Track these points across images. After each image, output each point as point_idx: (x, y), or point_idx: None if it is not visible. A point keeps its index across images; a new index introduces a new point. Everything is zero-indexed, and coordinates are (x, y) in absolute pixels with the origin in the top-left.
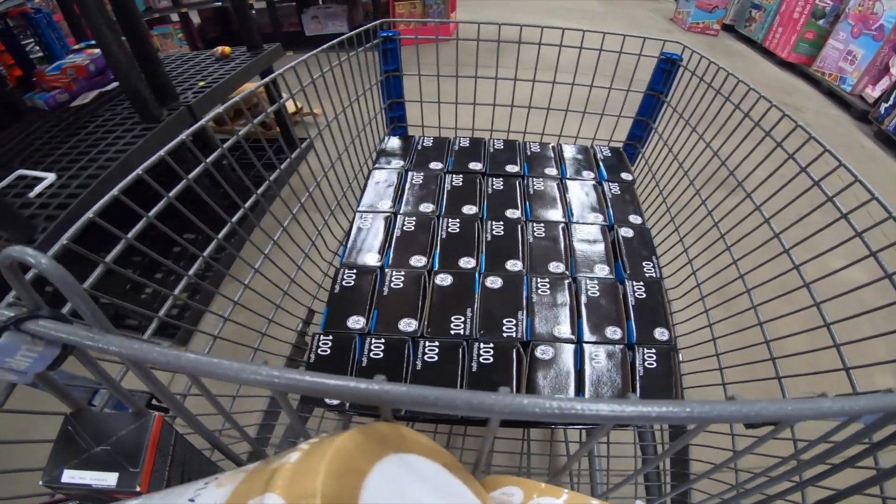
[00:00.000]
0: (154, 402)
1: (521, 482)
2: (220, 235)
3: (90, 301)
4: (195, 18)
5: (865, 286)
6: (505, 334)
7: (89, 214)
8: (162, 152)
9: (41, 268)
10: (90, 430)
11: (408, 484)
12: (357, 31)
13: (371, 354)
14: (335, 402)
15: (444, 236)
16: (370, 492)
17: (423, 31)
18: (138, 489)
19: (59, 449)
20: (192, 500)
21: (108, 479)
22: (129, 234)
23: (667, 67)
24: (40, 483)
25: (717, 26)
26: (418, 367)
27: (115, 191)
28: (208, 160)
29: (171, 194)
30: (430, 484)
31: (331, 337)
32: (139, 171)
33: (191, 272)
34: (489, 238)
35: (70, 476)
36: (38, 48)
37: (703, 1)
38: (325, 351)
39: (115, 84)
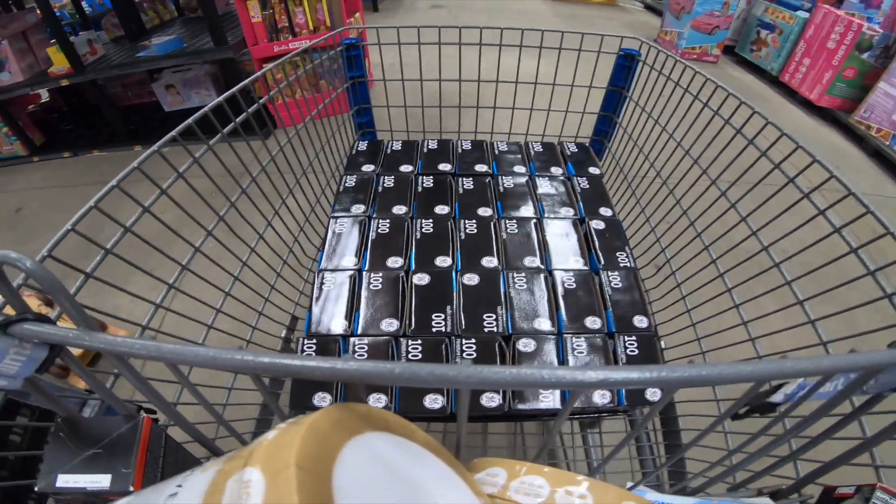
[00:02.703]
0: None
1: (505, 463)
2: (198, 245)
3: (76, 302)
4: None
5: (842, 257)
6: (486, 329)
7: (68, 226)
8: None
9: (28, 270)
10: (81, 435)
11: (389, 457)
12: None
13: (355, 356)
14: (325, 404)
15: (418, 237)
16: (347, 461)
17: None
18: (132, 489)
19: (51, 455)
20: (179, 486)
21: (102, 482)
22: (109, 245)
23: (626, 63)
24: (36, 490)
25: (716, 51)
26: None
27: (91, 202)
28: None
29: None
30: (413, 460)
31: (315, 340)
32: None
33: (172, 281)
34: (463, 237)
35: (65, 481)
36: None
37: (702, 20)
38: (311, 354)
39: None
